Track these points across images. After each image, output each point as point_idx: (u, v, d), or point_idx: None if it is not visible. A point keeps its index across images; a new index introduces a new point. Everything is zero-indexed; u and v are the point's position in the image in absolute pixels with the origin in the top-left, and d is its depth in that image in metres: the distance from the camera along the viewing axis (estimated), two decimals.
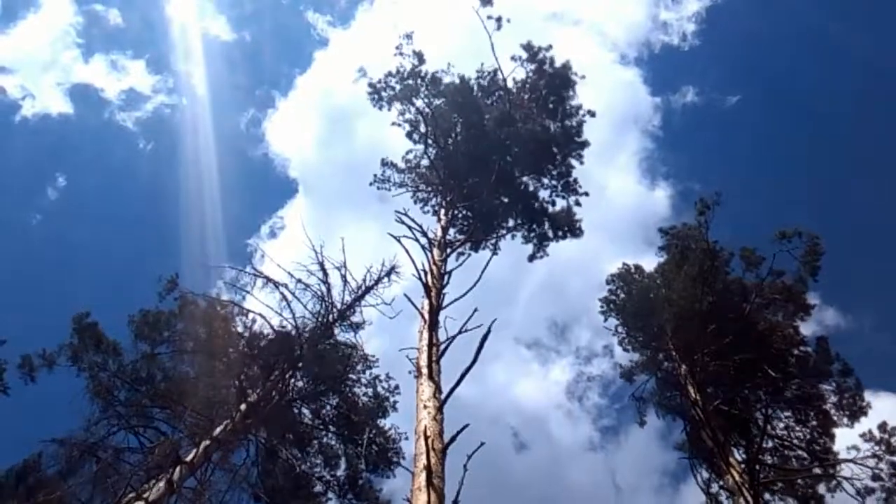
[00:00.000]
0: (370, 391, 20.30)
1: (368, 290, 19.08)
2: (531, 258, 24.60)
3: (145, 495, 13.59)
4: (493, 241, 23.85)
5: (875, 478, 20.47)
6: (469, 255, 22.66)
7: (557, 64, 23.41)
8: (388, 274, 18.88)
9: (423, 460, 10.23)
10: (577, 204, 24.01)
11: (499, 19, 20.98)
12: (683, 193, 42.01)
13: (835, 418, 22.52)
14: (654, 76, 46.37)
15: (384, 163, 25.59)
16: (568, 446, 39.26)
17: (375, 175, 25.47)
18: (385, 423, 20.20)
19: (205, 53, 45.22)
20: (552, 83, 23.44)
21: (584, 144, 23.77)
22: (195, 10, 46.41)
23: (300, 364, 18.15)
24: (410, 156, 25.55)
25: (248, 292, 19.15)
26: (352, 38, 46.43)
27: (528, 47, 23.28)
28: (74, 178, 41.22)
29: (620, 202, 45.41)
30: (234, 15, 49.35)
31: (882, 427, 20.94)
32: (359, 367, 20.28)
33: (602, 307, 26.45)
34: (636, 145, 46.17)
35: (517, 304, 42.58)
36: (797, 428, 23.38)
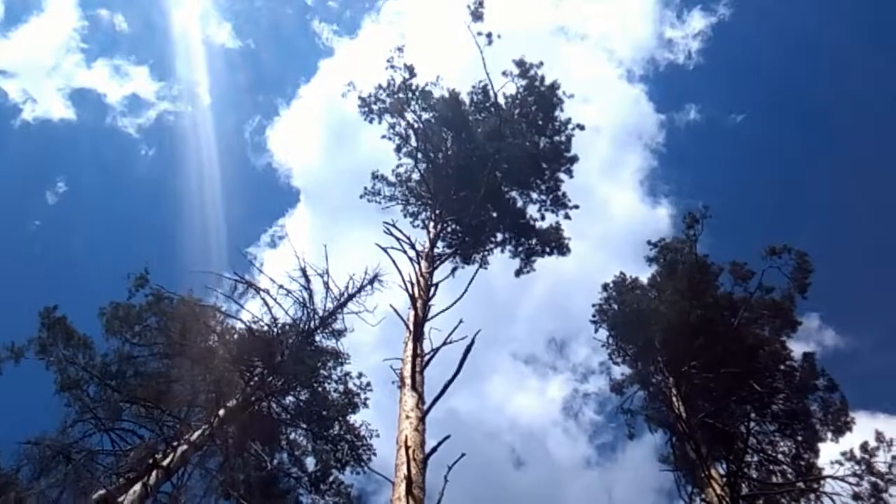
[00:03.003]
0: (341, 387, 20.58)
1: (351, 297, 19.36)
2: (518, 273, 25.07)
3: (120, 500, 13.70)
4: (481, 254, 24.23)
5: (855, 497, 20.82)
6: (462, 267, 23.01)
7: (548, 81, 23.82)
8: (372, 282, 19.18)
9: (403, 470, 10.45)
10: (567, 217, 24.54)
11: (489, 35, 21.23)
12: (686, 211, 42.29)
13: (819, 434, 22.89)
14: (659, 93, 46.37)
15: (375, 176, 25.84)
16: (565, 463, 39.50)
17: (366, 188, 25.75)
18: (355, 419, 20.52)
19: (209, 60, 45.53)
20: (542, 99, 23.80)
21: (573, 160, 24.25)
22: (200, 17, 46.17)
23: (279, 370, 18.29)
24: (401, 169, 25.82)
25: (233, 298, 19.29)
26: (357, 48, 46.43)
27: (519, 63, 23.70)
28: (75, 184, 40.69)
29: (623, 218, 45.89)
30: (239, 22, 48.60)
31: (863, 447, 21.32)
32: (330, 364, 20.53)
33: (594, 316, 26.72)
34: (640, 162, 46.65)
35: (518, 320, 42.91)
36: (782, 443, 23.76)
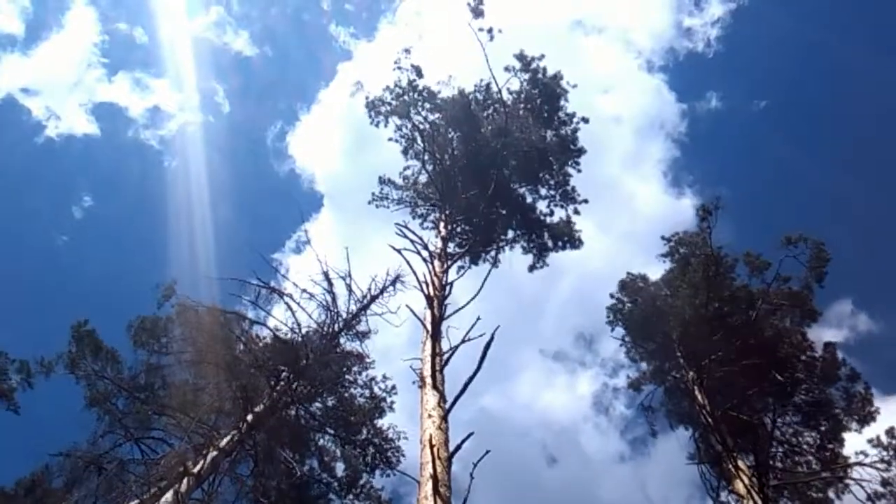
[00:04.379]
0: (367, 392, 20.49)
1: (374, 299, 19.26)
2: (531, 268, 24.75)
3: None
4: (492, 252, 23.94)
5: (884, 483, 20.48)
6: (470, 267, 22.85)
7: (550, 72, 23.53)
8: (394, 283, 19.07)
9: (429, 469, 10.28)
10: (577, 213, 24.14)
11: (490, 30, 21.01)
12: (710, 201, 41.47)
13: (844, 423, 22.55)
14: (680, 82, 45.68)
15: (382, 180, 25.49)
16: (598, 459, 39.01)
17: (374, 193, 25.41)
18: (382, 423, 20.35)
19: (228, 69, 45.90)
20: (546, 91, 23.57)
21: (581, 152, 23.94)
22: (216, 26, 46.29)
23: (305, 373, 18.24)
24: (408, 172, 25.53)
25: (257, 304, 19.26)
26: (375, 51, 46.26)
27: (521, 57, 23.45)
28: (100, 198, 40.96)
29: (648, 210, 45.41)
30: (256, 30, 48.42)
31: (890, 432, 20.95)
32: (355, 369, 20.46)
33: (609, 317, 26.48)
34: (662, 152, 46.07)
35: (546, 317, 42.62)
36: (806, 433, 23.42)
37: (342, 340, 19.84)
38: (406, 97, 23.32)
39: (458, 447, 10.96)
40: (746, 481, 18.49)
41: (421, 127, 23.54)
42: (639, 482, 35.80)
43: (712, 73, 46.70)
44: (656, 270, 26.35)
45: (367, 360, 20.49)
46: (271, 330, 19.36)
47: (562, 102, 23.82)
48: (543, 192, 24.37)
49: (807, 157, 44.55)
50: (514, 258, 24.50)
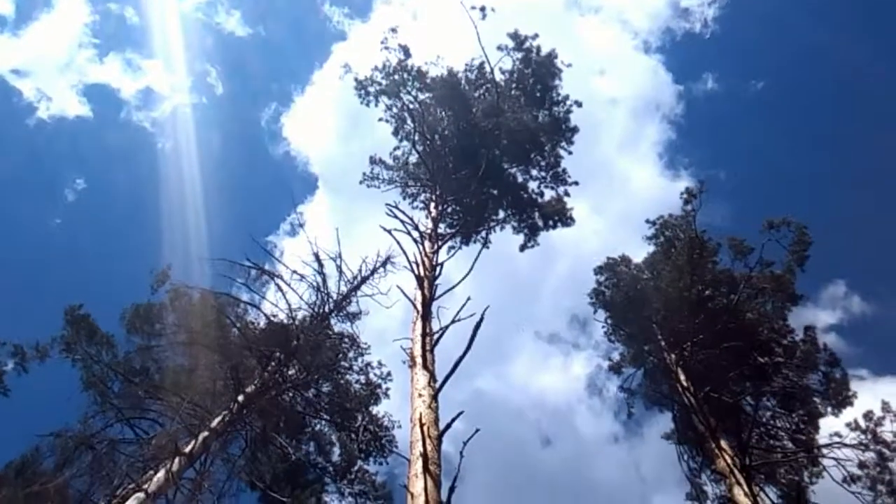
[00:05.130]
0: (362, 378, 20.45)
1: (364, 280, 19.22)
2: (522, 248, 24.74)
3: (145, 486, 13.66)
4: (483, 233, 23.86)
5: (861, 465, 20.68)
6: (461, 248, 22.78)
7: (543, 52, 23.41)
8: (384, 264, 19.03)
9: (419, 447, 10.32)
10: (567, 195, 24.09)
11: (483, 9, 20.94)
12: (706, 183, 40.88)
13: (820, 408, 22.70)
14: (677, 63, 46.11)
15: (373, 160, 25.43)
16: (592, 440, 39.34)
17: (364, 173, 25.35)
18: (378, 410, 20.36)
19: (220, 50, 45.74)
20: (539, 71, 23.43)
21: (573, 132, 23.83)
22: (208, 6, 45.90)
23: (296, 355, 18.21)
24: (398, 152, 25.46)
25: (248, 285, 19.19)
26: (369, 31, 45.74)
27: (514, 36, 23.35)
28: (93, 180, 40.56)
29: (644, 193, 45.39)
30: (249, 10, 47.79)
31: (867, 416, 21.14)
32: (351, 355, 20.41)
33: (591, 299, 26.51)
34: (658, 134, 46.09)
35: (541, 300, 42.62)
36: (783, 417, 23.56)
37: (333, 322, 19.84)
38: (395, 77, 23.20)
39: (448, 426, 11.00)
40: (729, 461, 18.66)
41: (411, 107, 23.38)
42: (633, 462, 36.10)
43: (709, 53, 46.93)
44: (644, 253, 26.42)
45: (363, 346, 20.54)
46: (262, 312, 19.35)
47: (555, 82, 23.78)
48: (535, 172, 24.36)
49: (803, 138, 44.74)
50: (506, 238, 24.58)
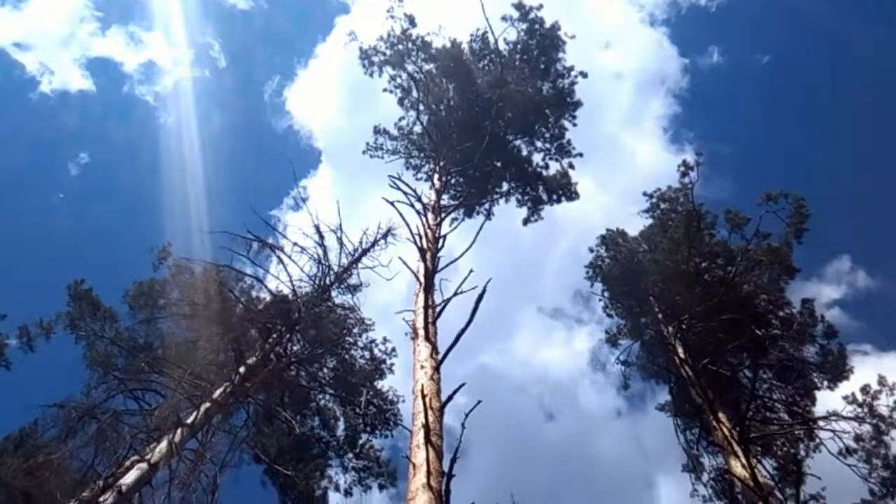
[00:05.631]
0: (367, 354, 20.49)
1: (365, 252, 19.09)
2: (525, 221, 24.65)
3: (147, 457, 13.69)
4: (486, 205, 23.75)
5: (857, 438, 20.74)
6: (464, 220, 22.67)
7: (548, 23, 23.22)
8: (385, 236, 18.91)
9: (420, 419, 10.18)
10: (571, 167, 23.96)
11: None
12: (711, 158, 40.49)
13: (816, 381, 22.71)
14: (682, 36, 44.67)
15: (377, 130, 25.16)
16: (595, 414, 39.25)
17: (368, 143, 25.12)
18: (382, 384, 20.42)
19: (223, 23, 44.69)
20: (543, 42, 23.21)
21: (577, 105, 23.63)
22: None
23: (297, 327, 18.17)
24: (403, 122, 25.18)
25: (249, 258, 19.06)
26: (373, 3, 45.24)
27: (519, 6, 23.13)
28: (96, 155, 39.92)
29: (648, 168, 44.74)
30: None
31: (864, 389, 21.15)
32: (356, 331, 20.43)
33: (587, 272, 26.45)
34: (663, 108, 45.39)
35: (544, 275, 42.44)
36: (779, 389, 23.59)
37: (334, 294, 19.81)
38: (400, 46, 23.02)
39: (450, 397, 10.88)
40: (726, 433, 18.70)
41: (416, 76, 23.16)
42: (635, 437, 36.18)
43: (715, 27, 45.61)
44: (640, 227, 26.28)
45: (367, 322, 20.58)
46: (264, 284, 19.30)
47: (559, 54, 23.63)
48: (539, 144, 24.20)
49: (809, 113, 43.64)
50: (510, 213, 24.48)
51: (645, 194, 25.16)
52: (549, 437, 37.69)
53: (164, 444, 14.18)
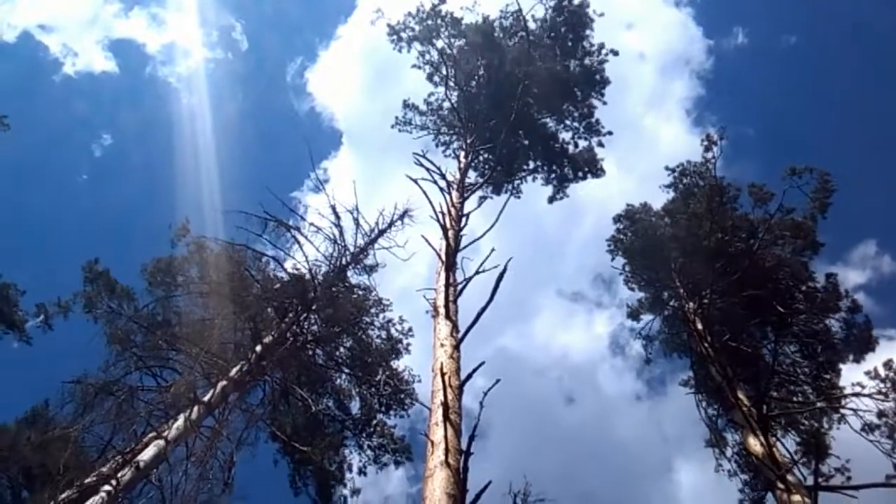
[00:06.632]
0: (384, 333, 20.27)
1: (382, 233, 18.93)
2: (551, 200, 24.49)
3: (164, 433, 13.57)
4: (513, 183, 23.52)
5: (880, 414, 20.28)
6: (491, 197, 22.44)
7: (576, 1, 22.89)
8: (402, 217, 18.70)
9: (440, 396, 10.07)
10: (601, 145, 23.74)
11: None
12: (735, 139, 39.48)
13: (842, 354, 22.24)
14: (706, 17, 43.56)
15: (406, 105, 25.04)
16: (615, 398, 38.91)
17: (397, 118, 25.01)
18: (398, 364, 20.21)
19: (245, 4, 45.26)
20: (571, 20, 22.89)
21: (605, 83, 23.35)
22: None
23: (314, 307, 17.97)
24: (432, 98, 25.02)
25: (265, 237, 18.83)
26: None
27: None
28: (119, 136, 39.85)
29: (671, 150, 44.32)
30: None
31: (888, 364, 20.65)
32: (372, 311, 20.20)
33: (609, 246, 26.02)
34: (687, 90, 44.51)
35: (566, 258, 42.10)
36: (803, 363, 23.17)
37: (350, 274, 19.64)
38: (429, 22, 22.79)
39: (470, 376, 10.71)
40: (745, 410, 18.37)
41: (445, 53, 22.87)
42: (655, 421, 35.84)
43: (740, 7, 44.57)
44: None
45: (385, 302, 20.36)
46: (280, 264, 19.13)
47: (587, 32, 23.29)
48: (567, 122, 23.93)
49: (835, 96, 42.23)
50: (534, 194, 24.19)
51: (667, 168, 24.59)
52: (568, 421, 37.51)
53: (180, 421, 14.14)
